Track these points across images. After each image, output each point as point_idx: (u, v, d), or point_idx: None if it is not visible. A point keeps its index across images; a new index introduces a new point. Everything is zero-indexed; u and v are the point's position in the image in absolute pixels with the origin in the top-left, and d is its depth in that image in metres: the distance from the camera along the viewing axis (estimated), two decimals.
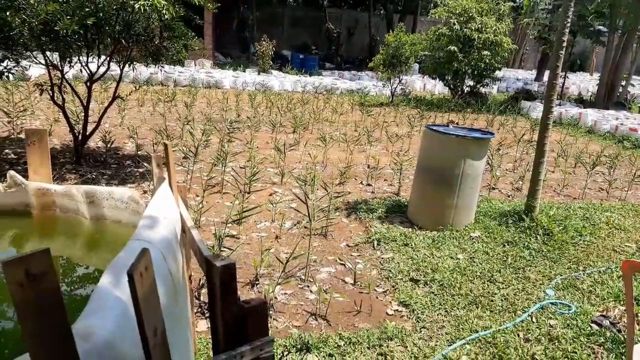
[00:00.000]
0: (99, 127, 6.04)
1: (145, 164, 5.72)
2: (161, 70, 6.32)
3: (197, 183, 5.32)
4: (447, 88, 14.97)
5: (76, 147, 5.78)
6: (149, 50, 5.45)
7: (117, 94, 5.95)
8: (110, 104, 6.06)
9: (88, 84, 5.72)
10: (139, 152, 6.43)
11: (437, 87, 17.49)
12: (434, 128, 4.64)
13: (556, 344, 2.90)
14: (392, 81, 13.72)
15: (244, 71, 17.16)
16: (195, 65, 17.42)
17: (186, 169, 5.68)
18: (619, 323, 3.05)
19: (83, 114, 5.83)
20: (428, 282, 3.57)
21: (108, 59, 5.70)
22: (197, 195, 4.87)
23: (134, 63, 5.85)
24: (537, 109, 12.80)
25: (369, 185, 5.96)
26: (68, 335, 0.87)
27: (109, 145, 6.29)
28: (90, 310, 1.05)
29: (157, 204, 1.68)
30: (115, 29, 5.16)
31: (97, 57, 5.76)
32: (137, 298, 0.92)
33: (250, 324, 1.24)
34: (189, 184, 5.31)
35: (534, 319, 3.20)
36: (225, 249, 3.47)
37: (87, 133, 5.87)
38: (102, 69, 5.80)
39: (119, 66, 5.91)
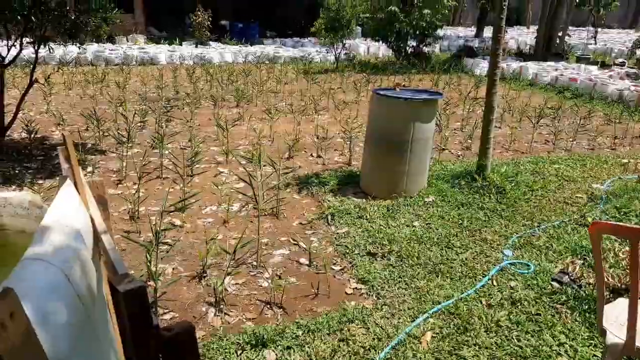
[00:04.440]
0: (17, 116, 5.48)
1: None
2: (80, 49, 5.77)
3: (134, 170, 4.92)
4: (391, 50, 14.80)
5: None
6: (63, 26, 4.89)
7: (34, 79, 5.38)
8: (28, 90, 5.49)
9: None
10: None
11: (380, 50, 17.29)
12: (381, 92, 4.43)
13: (519, 307, 2.83)
14: (335, 46, 13.39)
15: (181, 44, 16.31)
16: (127, 41, 16.38)
17: (120, 156, 5.25)
18: (579, 279, 3.02)
19: None
20: (385, 255, 3.43)
21: (20, 40, 5.12)
22: (135, 184, 4.49)
23: (49, 43, 5.27)
24: (480, 66, 12.88)
25: (319, 157, 5.73)
26: None
27: (32, 136, 5.73)
28: None
29: (57, 210, 1.38)
30: (25, 3, 4.60)
31: (7, 39, 5.16)
32: None
33: (174, 356, 1.00)
34: (125, 172, 4.91)
35: (494, 282, 3.13)
36: (163, 244, 3.17)
37: (5, 124, 5.31)
38: (16, 51, 5.21)
39: (34, 47, 5.32)
